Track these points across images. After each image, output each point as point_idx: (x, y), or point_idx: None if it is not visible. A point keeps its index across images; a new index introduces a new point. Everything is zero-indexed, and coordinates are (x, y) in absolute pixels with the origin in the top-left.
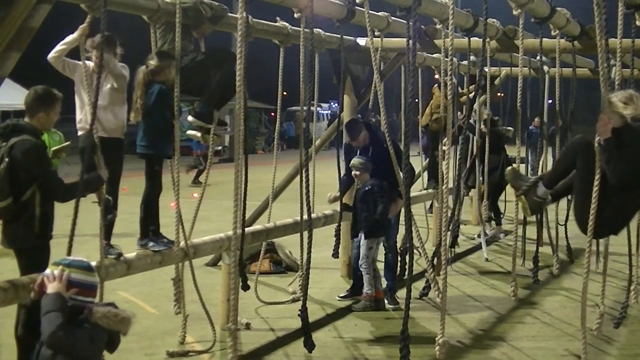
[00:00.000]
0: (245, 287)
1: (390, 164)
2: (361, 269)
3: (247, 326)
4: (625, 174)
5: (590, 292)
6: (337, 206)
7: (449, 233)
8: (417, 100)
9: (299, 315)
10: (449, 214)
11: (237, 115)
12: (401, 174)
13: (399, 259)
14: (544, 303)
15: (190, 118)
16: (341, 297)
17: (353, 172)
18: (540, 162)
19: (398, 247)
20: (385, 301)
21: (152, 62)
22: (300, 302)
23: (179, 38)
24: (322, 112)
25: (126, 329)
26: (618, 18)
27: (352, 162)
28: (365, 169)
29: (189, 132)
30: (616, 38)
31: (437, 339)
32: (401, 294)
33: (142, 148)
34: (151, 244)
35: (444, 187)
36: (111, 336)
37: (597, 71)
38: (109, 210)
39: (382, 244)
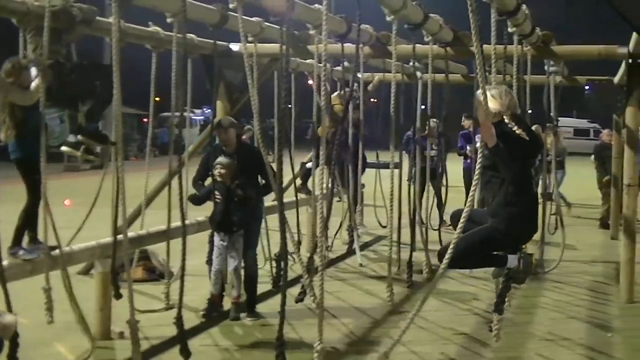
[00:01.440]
0: (118, 296)
1: (255, 177)
2: (235, 274)
3: (121, 335)
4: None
5: (466, 296)
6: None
7: (324, 238)
8: (290, 105)
9: (174, 323)
10: (323, 220)
11: (113, 121)
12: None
13: (273, 265)
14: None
15: (80, 137)
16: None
17: (217, 171)
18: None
19: (268, 256)
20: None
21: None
22: (175, 310)
23: (47, 42)
24: (195, 118)
25: (8, 335)
26: (491, 25)
27: (218, 159)
28: (230, 170)
29: (64, 148)
30: (490, 44)
31: (315, 345)
32: (276, 300)
33: (14, 154)
34: (21, 252)
35: (317, 194)
36: None
37: (470, 77)
38: None
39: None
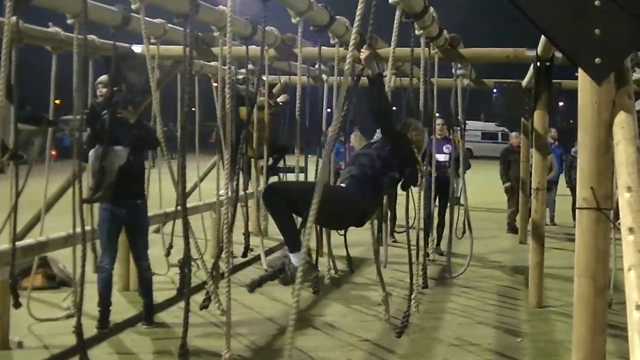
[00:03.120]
0: (17, 304)
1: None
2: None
3: (20, 345)
4: None
5: (373, 302)
6: None
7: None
8: (193, 109)
9: (73, 331)
10: (228, 226)
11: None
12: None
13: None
14: (325, 313)
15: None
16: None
17: (99, 90)
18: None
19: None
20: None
21: None
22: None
23: None
24: None
25: None
26: (394, 27)
27: (98, 80)
28: (110, 85)
29: None
30: (395, 46)
31: (223, 353)
32: (181, 307)
33: None
34: None
35: (221, 198)
36: None
37: None
38: None
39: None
